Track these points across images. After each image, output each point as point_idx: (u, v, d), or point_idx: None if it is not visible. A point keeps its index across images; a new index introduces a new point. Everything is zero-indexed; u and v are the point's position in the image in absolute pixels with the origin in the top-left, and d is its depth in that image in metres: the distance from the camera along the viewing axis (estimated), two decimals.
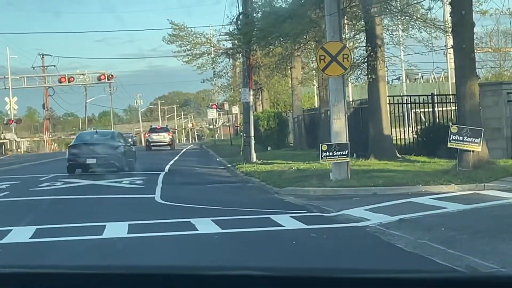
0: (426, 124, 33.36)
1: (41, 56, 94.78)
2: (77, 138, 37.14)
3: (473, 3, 23.04)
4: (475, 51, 23.86)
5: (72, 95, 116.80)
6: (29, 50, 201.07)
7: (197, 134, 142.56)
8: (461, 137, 21.79)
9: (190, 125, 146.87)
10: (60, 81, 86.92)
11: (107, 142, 34.82)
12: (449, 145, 22.16)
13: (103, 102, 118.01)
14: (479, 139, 21.71)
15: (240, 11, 37.54)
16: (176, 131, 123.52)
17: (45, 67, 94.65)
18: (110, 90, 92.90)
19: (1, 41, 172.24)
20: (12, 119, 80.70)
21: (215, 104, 76.73)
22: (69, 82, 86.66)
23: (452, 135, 21.88)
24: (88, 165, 33.61)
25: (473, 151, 21.93)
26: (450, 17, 23.35)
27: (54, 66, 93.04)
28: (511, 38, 62.30)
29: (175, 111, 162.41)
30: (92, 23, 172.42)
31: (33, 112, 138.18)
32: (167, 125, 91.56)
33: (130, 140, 54.71)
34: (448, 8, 27.56)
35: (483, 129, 21.97)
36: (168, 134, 69.84)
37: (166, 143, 66.86)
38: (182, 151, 62.16)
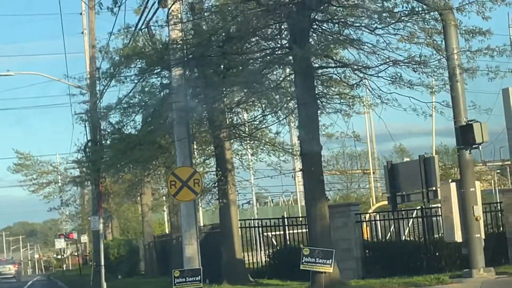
0: (278, 247, 33.49)
1: None
2: None
3: (319, 127, 23.61)
4: (323, 173, 24.33)
5: None
6: None
7: (44, 265, 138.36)
8: (313, 259, 21.90)
9: (37, 256, 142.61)
10: None
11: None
12: (301, 267, 22.21)
13: None
14: (331, 260, 21.88)
15: (88, 139, 37.24)
16: (22, 262, 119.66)
17: None
18: None
19: None
20: None
21: (62, 234, 74.96)
22: None
23: (304, 257, 21.97)
24: None
25: (325, 272, 22.05)
26: (298, 141, 23.82)
27: None
28: (356, 160, 64.31)
29: (21, 242, 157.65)
30: None
31: None
32: (12, 257, 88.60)
33: None
34: (295, 132, 28.20)
35: (334, 250, 22.19)
36: (14, 266, 67.90)
37: (12, 275, 64.81)
38: (29, 283, 60.04)
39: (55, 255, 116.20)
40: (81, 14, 40.55)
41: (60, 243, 74.00)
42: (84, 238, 75.50)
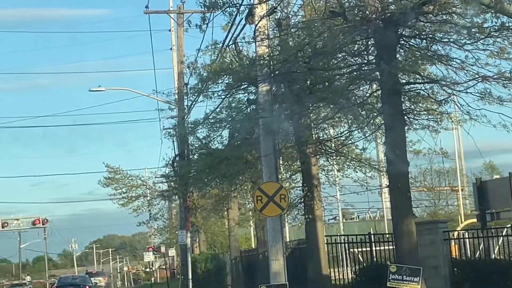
0: (364, 263, 33.24)
1: None
2: (59, 281, 47.60)
3: (406, 143, 23.38)
4: (410, 190, 24.07)
5: (5, 240, 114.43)
6: None
7: (133, 278, 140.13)
8: (401, 276, 21.64)
9: (126, 268, 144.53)
10: None
11: (81, 283, 45.56)
12: (388, 284, 21.97)
13: (37, 247, 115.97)
14: (418, 277, 21.58)
15: (176, 153, 37.66)
16: (112, 275, 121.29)
17: None
18: (44, 235, 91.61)
19: None
20: None
21: (151, 247, 75.84)
22: (2, 227, 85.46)
23: (391, 275, 21.72)
24: None
25: None
26: (385, 157, 23.63)
27: None
28: (444, 177, 63.45)
29: (111, 255, 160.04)
30: (28, 167, 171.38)
31: None
32: (102, 269, 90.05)
33: None
34: (382, 148, 27.98)
35: (421, 268, 21.90)
36: (104, 279, 69.11)
37: (102, 287, 65.94)
38: None
39: (143, 268, 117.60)
40: (170, 30, 41.16)
41: (148, 256, 74.93)
42: (172, 252, 76.27)
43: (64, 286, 45.82)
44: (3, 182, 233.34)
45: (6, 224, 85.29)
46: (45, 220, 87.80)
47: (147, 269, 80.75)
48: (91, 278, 67.94)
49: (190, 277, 36.41)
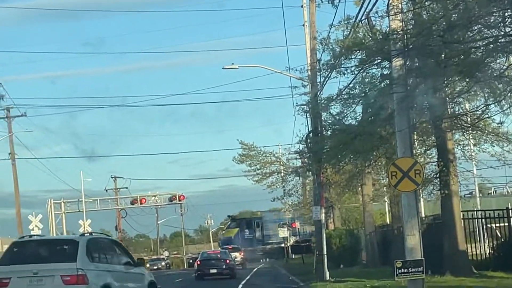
0: (502, 239, 32.69)
1: (113, 178, 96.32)
2: (202, 256, 49.94)
3: None
4: None
5: (144, 216, 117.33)
6: (102, 173, 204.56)
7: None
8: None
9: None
10: (132, 203, 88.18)
11: (222, 257, 48.12)
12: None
13: (174, 222, 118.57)
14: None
15: (309, 130, 37.79)
16: (247, 250, 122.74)
17: (118, 189, 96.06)
18: (181, 211, 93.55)
19: (75, 165, 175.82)
20: None
21: (294, 223, 76.54)
22: (141, 203, 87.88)
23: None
24: (212, 274, 46.31)
25: None
26: None
27: (127, 188, 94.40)
28: None
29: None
30: (166, 145, 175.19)
31: (106, 233, 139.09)
32: (238, 245, 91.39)
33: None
34: None
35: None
36: (240, 253, 70.23)
37: (238, 263, 66.98)
38: (254, 270, 61.85)
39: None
40: (301, 6, 41.16)
41: (283, 232, 75.63)
42: (306, 228, 76.78)
43: (207, 260, 47.95)
44: (140, 159, 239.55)
45: (144, 200, 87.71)
46: (182, 196, 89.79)
47: (282, 245, 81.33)
48: None
49: (325, 252, 36.60)
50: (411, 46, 22.92)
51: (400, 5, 23.09)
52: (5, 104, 65.11)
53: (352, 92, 29.41)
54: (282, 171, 55.89)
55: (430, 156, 32.44)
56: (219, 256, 49.09)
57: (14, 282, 19.05)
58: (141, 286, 21.58)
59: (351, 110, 31.04)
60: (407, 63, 23.66)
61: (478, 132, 29.95)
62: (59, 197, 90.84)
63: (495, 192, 75.95)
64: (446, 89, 25.86)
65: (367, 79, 28.69)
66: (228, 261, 48.11)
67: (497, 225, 34.38)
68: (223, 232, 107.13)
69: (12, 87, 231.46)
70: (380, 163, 36.06)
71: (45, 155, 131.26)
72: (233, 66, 41.67)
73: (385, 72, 27.40)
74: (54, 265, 19.03)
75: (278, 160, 55.60)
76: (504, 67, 23.15)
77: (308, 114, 37.46)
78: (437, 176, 29.80)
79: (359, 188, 46.50)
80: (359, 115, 31.17)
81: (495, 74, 22.68)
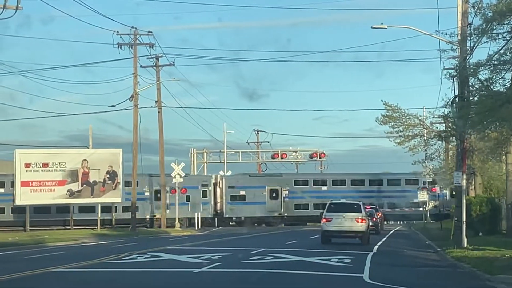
0: None
1: (256, 132, 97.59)
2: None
3: None
4: None
5: (284, 171, 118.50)
6: (245, 126, 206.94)
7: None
8: None
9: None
10: (273, 157, 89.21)
11: (354, 216, 40.06)
12: None
13: None
14: None
15: (455, 94, 37.22)
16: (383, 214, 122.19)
17: (259, 143, 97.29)
18: (321, 168, 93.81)
19: (220, 116, 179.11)
20: None
21: (434, 188, 75.68)
22: (281, 158, 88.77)
23: None
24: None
25: None
26: None
27: (268, 142, 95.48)
28: None
29: None
30: (311, 102, 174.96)
31: None
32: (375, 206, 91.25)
33: None
34: None
35: None
36: (378, 214, 69.89)
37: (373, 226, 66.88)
38: (391, 232, 61.81)
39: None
40: None
41: (422, 196, 74.96)
42: (446, 193, 75.79)
43: (333, 219, 41.60)
44: (284, 114, 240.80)
45: (285, 155, 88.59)
46: (322, 154, 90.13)
47: (420, 209, 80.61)
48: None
49: (464, 219, 36.18)
50: None
51: None
52: (154, 53, 66.75)
53: (502, 59, 28.81)
54: (425, 134, 55.17)
55: None
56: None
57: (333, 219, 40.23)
58: None
59: (500, 77, 30.43)
60: None
61: None
62: (201, 147, 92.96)
63: None
64: None
65: None
66: (374, 218, 50.11)
67: None
68: None
69: (163, 36, 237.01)
70: None
71: (191, 105, 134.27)
72: (382, 26, 41.27)
73: None
74: (352, 215, 40.32)
75: (421, 123, 54.87)
76: None
77: (455, 78, 36.90)
78: None
79: (503, 157, 45.56)
80: (508, 82, 30.53)
81: None
